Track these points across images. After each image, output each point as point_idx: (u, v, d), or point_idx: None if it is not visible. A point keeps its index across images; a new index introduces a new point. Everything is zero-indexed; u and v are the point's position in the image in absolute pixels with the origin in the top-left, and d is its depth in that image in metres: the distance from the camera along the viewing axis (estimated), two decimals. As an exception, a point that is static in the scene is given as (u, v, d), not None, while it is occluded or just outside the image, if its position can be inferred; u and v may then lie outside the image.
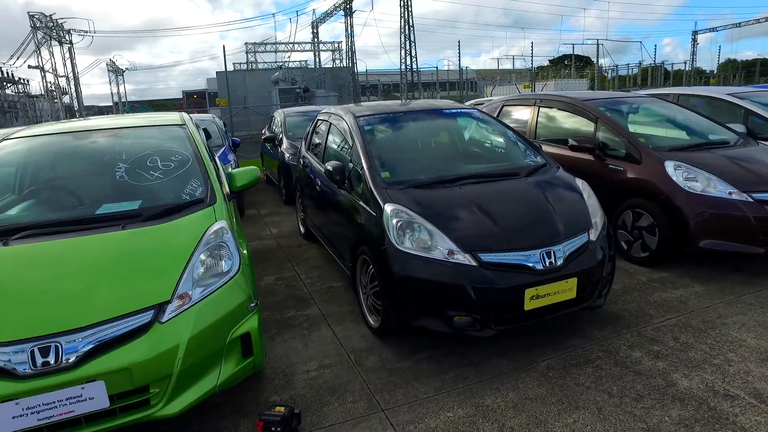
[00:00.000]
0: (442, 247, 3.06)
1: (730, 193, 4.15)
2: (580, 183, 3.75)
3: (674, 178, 4.33)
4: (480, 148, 4.32)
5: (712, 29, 48.86)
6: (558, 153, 5.34)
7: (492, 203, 3.35)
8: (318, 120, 5.54)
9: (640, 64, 47.12)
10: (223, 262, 2.81)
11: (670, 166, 4.40)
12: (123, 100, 51.53)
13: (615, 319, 3.64)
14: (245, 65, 52.07)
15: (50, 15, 29.31)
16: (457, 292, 2.97)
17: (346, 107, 4.85)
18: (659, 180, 4.41)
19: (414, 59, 39.75)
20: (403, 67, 40.04)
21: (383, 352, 3.38)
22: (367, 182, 3.63)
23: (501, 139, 4.31)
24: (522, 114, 6.18)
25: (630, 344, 3.28)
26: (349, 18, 47.33)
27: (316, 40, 52.57)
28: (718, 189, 4.19)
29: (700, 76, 46.33)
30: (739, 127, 5.86)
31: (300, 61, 52.64)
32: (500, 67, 56.42)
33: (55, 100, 30.16)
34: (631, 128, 5.19)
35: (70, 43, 32.44)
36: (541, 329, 3.49)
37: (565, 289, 3.08)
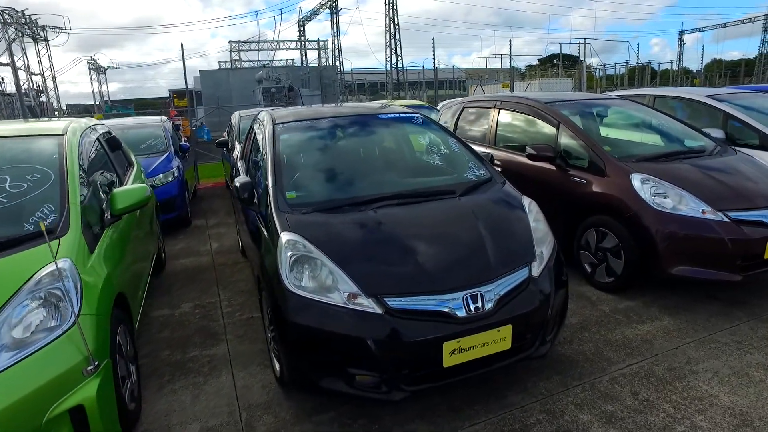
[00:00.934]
0: (343, 290, 2.47)
1: (703, 212, 3.59)
2: (527, 203, 3.16)
3: (641, 194, 3.76)
4: (415, 160, 3.72)
5: (699, 29, 48.83)
6: (518, 161, 4.78)
7: (412, 231, 2.76)
8: (251, 125, 4.93)
9: (627, 63, 46.84)
10: (54, 314, 2.21)
11: (636, 180, 3.83)
12: (105, 99, 50.54)
13: (566, 365, 3.06)
14: (231, 64, 51.20)
15: (22, 11, 28.38)
16: (356, 347, 2.37)
17: (272, 111, 4.25)
18: (625, 195, 3.85)
19: (399, 57, 39.19)
20: (388, 65, 39.44)
21: (281, 410, 2.78)
22: (268, 203, 3.03)
23: (441, 149, 3.72)
24: (481, 117, 5.60)
25: (579, 402, 2.70)
26: (335, 16, 46.69)
27: (303, 38, 51.88)
28: (690, 207, 3.63)
29: (687, 76, 46.17)
30: (718, 132, 5.33)
31: (287, 60, 51.93)
32: (489, 66, 56.03)
33: (27, 99, 29.19)
34: (597, 134, 4.63)
35: (45, 40, 31.49)
36: (475, 381, 2.91)
37: (497, 339, 2.50)
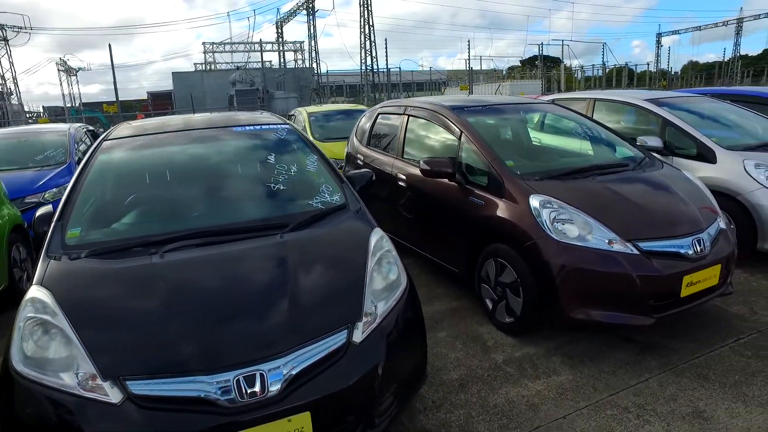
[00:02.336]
0: (80, 369, 1.83)
1: (609, 242, 3.00)
2: (374, 240, 2.51)
3: (539, 220, 3.16)
4: (254, 185, 3.01)
5: (675, 32, 49.15)
6: (419, 176, 4.15)
7: (195, 285, 2.12)
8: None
9: (604, 65, 46.76)
10: None
11: (535, 202, 3.23)
12: (78, 101, 49.32)
13: (423, 442, 2.44)
14: (205, 65, 50.33)
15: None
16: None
17: (123, 123, 3.62)
18: (522, 221, 3.24)
19: (375, 59, 38.56)
20: (364, 67, 38.79)
21: None
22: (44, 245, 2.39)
23: (294, 169, 3.06)
24: (393, 125, 4.98)
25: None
26: (311, 18, 46.11)
27: (280, 39, 51.28)
28: (596, 236, 3.04)
29: (664, 77, 46.24)
30: (655, 141, 4.80)
31: (266, 62, 51.23)
32: (469, 68, 55.60)
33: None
34: (503, 146, 4.04)
35: (5, 40, 30.39)
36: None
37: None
